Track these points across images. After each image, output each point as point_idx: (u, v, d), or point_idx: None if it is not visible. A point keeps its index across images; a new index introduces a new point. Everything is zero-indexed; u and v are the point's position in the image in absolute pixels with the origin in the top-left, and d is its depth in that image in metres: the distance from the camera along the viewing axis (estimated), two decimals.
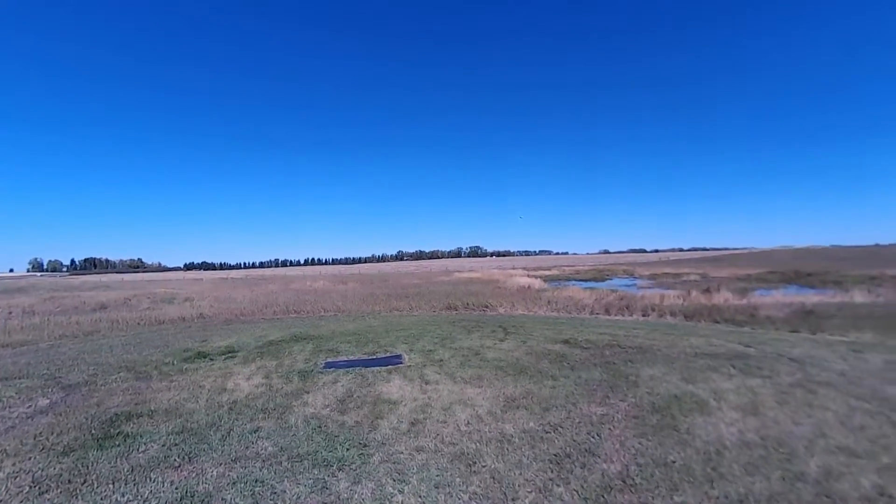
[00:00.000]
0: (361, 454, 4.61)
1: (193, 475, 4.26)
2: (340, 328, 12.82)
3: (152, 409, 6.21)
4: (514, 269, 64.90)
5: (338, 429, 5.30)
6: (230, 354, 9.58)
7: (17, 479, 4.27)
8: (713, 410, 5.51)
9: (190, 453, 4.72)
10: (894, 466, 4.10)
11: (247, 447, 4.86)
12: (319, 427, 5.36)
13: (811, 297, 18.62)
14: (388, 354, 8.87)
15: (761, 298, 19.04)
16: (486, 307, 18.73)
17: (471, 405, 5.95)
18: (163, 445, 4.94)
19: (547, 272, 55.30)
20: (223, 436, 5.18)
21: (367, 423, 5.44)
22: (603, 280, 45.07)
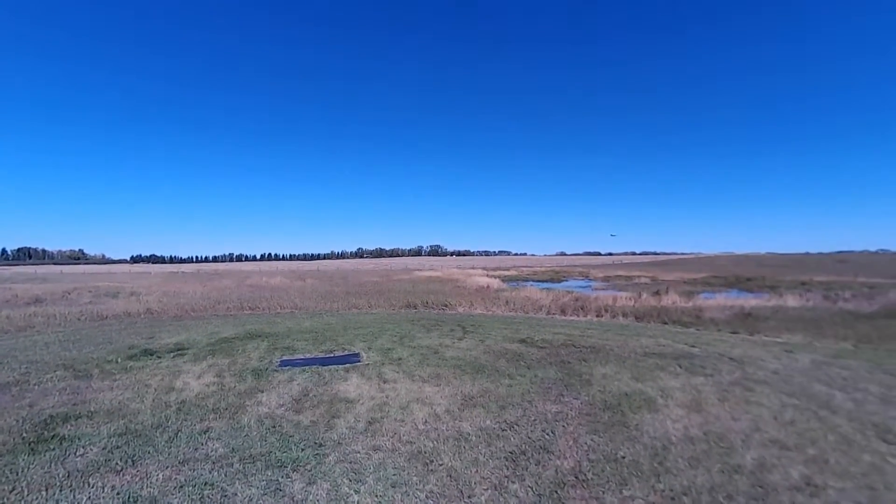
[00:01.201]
0: (317, 454, 4.54)
1: (137, 479, 4.06)
2: (297, 326, 12.53)
3: (92, 409, 5.86)
4: (473, 268, 65.53)
5: (293, 429, 5.19)
6: (180, 352, 9.17)
7: None
8: (660, 407, 5.78)
9: (133, 456, 4.49)
10: (819, 458, 4.45)
11: (196, 449, 4.68)
12: (273, 427, 5.23)
13: (750, 301, 19.80)
14: (345, 353, 8.76)
15: (706, 301, 20.09)
16: (446, 306, 18.82)
17: (429, 404, 5.97)
18: (103, 448, 4.68)
19: (506, 272, 56.19)
20: (170, 437, 4.96)
21: (324, 423, 5.36)
22: (559, 281, 46.30)
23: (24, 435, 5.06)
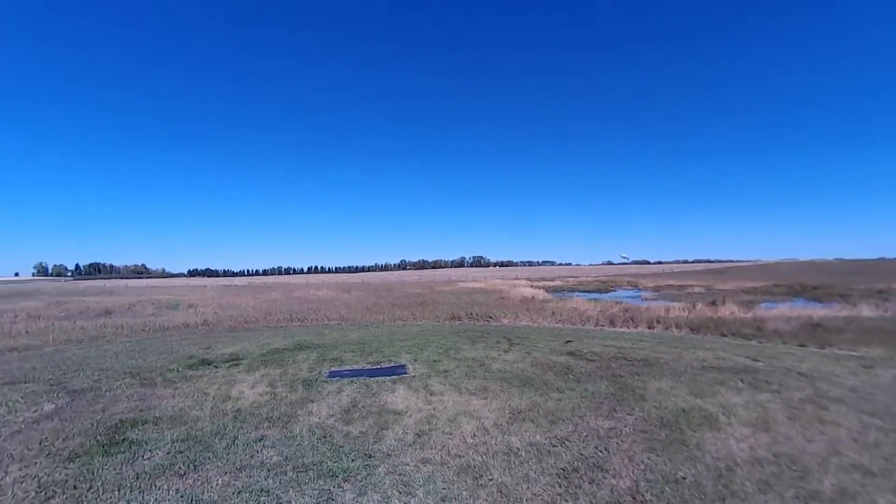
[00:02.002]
0: (367, 465, 4.57)
1: (199, 483, 4.23)
2: (344, 337, 12.79)
3: (157, 415, 6.19)
4: (517, 279, 64.85)
5: (343, 439, 5.27)
6: (234, 362, 9.56)
7: (24, 483, 4.25)
8: (723, 425, 5.45)
9: (195, 461, 4.69)
10: None
11: (252, 456, 4.83)
12: (324, 437, 5.33)
13: (818, 311, 18.47)
14: (392, 364, 8.84)
15: (767, 311, 18.91)
16: (490, 317, 18.68)
17: (476, 417, 5.91)
18: (168, 453, 4.92)
19: (550, 283, 55.24)
20: (228, 444, 5.15)
21: (373, 434, 5.40)
22: (607, 291, 44.98)
23: (98, 437, 5.40)
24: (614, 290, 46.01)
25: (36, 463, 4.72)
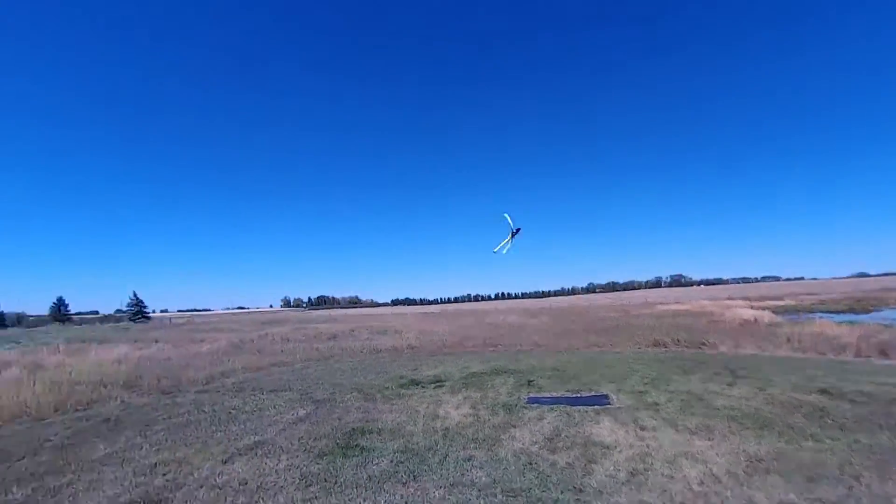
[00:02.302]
0: (578, 500, 4.31)
1: (418, 493, 4.57)
2: (539, 363, 12.67)
3: (380, 427, 6.98)
4: (729, 298, 55.34)
5: (549, 468, 5.10)
6: (438, 383, 10.29)
7: (290, 471, 5.23)
8: None
9: (414, 472, 5.10)
10: None
11: (462, 474, 5.03)
12: (530, 464, 5.24)
13: None
14: (593, 393, 8.34)
15: None
16: (703, 344, 16.26)
17: (702, 460, 5.09)
18: (391, 461, 5.47)
19: (777, 302, 45.51)
20: (440, 460, 5.48)
21: (580, 467, 5.10)
22: (866, 311, 34.92)
23: (338, 441, 6.34)
24: (879, 310, 35.41)
25: (297, 456, 5.77)
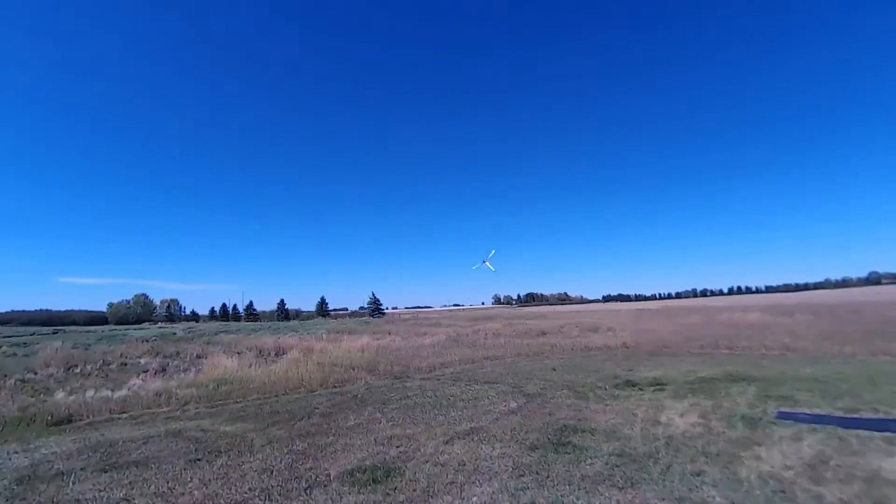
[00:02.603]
0: None
1: (637, 502, 4.21)
2: (793, 372, 10.31)
3: (592, 427, 6.70)
4: None
5: (811, 502, 4.07)
6: (658, 387, 9.35)
7: (503, 459, 5.46)
8: None
9: (632, 478, 4.73)
10: None
11: (690, 490, 4.43)
12: (782, 492, 4.29)
13: None
14: (881, 416, 6.35)
15: None
16: None
17: None
18: (605, 464, 5.18)
19: None
20: (663, 470, 4.94)
21: None
22: None
23: (549, 436, 6.33)
24: None
25: (510, 446, 5.99)
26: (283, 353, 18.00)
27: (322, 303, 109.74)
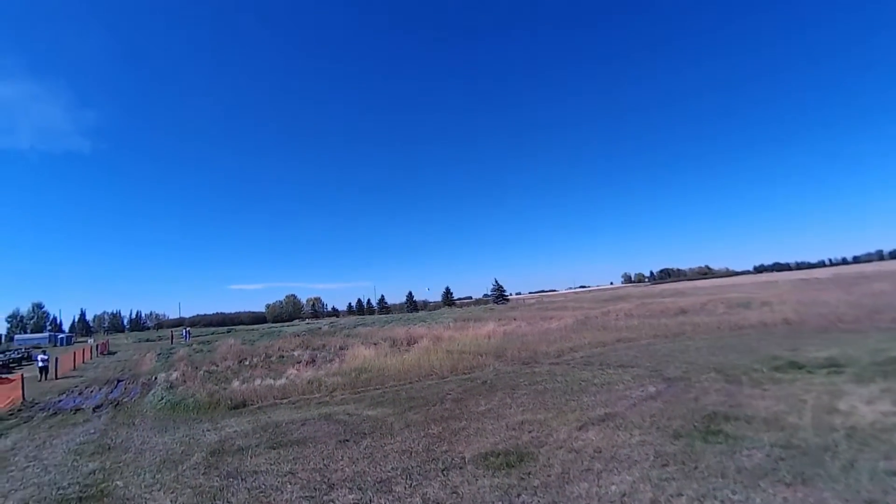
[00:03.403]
0: None
1: (811, 501, 3.65)
2: None
3: (748, 414, 5.96)
4: None
5: None
6: (834, 369, 7.97)
7: (643, 448, 5.12)
8: None
9: (802, 474, 4.11)
10: None
11: (884, 491, 3.71)
12: None
13: None
14: None
15: None
16: None
17: None
18: (767, 456, 4.58)
19: None
20: (844, 466, 4.21)
21: None
22: None
23: (696, 424, 5.78)
24: None
25: (649, 433, 5.60)
26: (414, 343, 19.06)
27: (447, 292, 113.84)
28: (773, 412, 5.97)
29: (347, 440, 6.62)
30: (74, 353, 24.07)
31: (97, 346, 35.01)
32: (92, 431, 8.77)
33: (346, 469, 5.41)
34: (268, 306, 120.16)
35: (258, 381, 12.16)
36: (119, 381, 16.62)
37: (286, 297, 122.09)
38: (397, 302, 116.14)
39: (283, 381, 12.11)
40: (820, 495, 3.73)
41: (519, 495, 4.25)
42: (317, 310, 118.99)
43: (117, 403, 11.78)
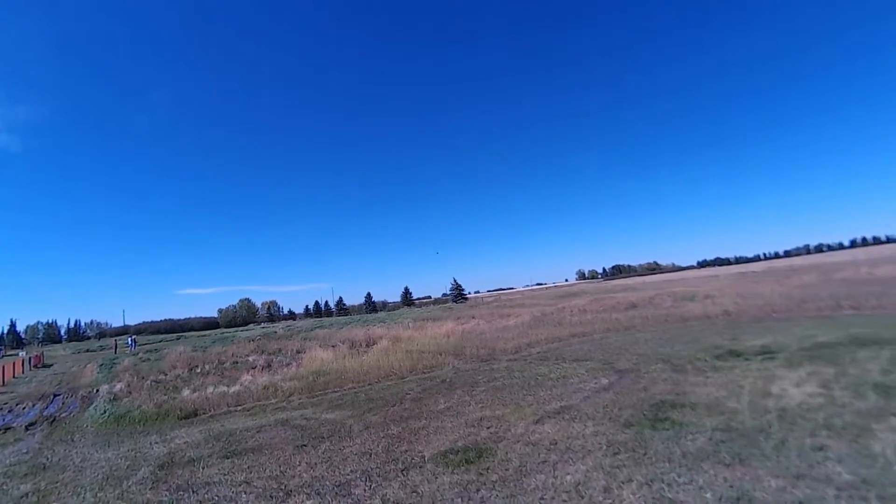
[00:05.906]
0: None
1: (747, 479, 3.92)
2: None
3: (692, 401, 6.31)
4: None
5: None
6: (768, 355, 8.56)
7: (596, 437, 5.32)
8: None
9: (740, 455, 4.39)
10: None
11: (811, 466, 4.03)
12: None
13: None
14: None
15: None
16: None
17: None
18: (709, 440, 4.86)
19: None
20: (776, 445, 4.54)
21: None
22: None
23: (645, 412, 6.06)
24: None
25: (602, 424, 5.82)
26: (374, 344, 18.87)
27: (406, 292, 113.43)
28: (715, 398, 6.35)
29: (305, 445, 6.48)
30: (3, 367, 22.14)
31: (30, 358, 32.39)
32: (24, 451, 8.12)
33: (304, 475, 5.30)
34: (220, 311, 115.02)
35: (210, 389, 11.68)
36: (56, 396, 15.45)
37: (240, 300, 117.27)
38: (356, 303, 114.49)
39: (237, 387, 11.69)
40: (755, 472, 4.00)
41: (478, 490, 4.31)
42: (273, 313, 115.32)
43: (53, 419, 10.96)
